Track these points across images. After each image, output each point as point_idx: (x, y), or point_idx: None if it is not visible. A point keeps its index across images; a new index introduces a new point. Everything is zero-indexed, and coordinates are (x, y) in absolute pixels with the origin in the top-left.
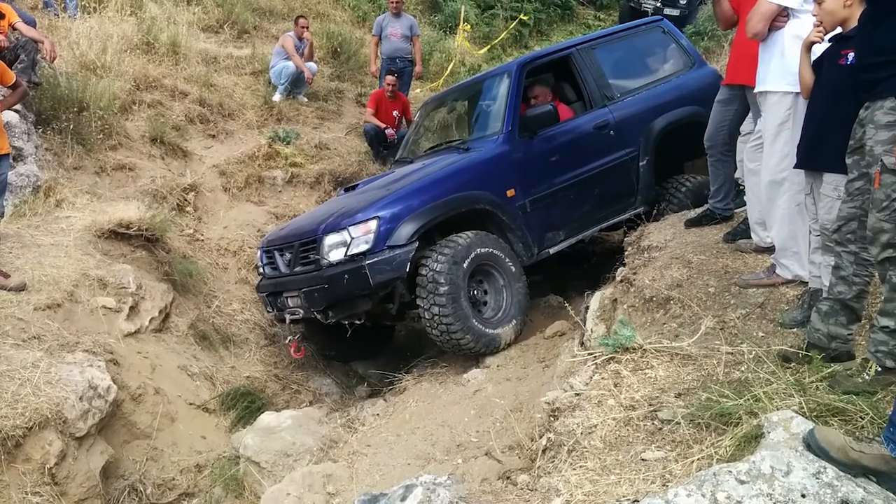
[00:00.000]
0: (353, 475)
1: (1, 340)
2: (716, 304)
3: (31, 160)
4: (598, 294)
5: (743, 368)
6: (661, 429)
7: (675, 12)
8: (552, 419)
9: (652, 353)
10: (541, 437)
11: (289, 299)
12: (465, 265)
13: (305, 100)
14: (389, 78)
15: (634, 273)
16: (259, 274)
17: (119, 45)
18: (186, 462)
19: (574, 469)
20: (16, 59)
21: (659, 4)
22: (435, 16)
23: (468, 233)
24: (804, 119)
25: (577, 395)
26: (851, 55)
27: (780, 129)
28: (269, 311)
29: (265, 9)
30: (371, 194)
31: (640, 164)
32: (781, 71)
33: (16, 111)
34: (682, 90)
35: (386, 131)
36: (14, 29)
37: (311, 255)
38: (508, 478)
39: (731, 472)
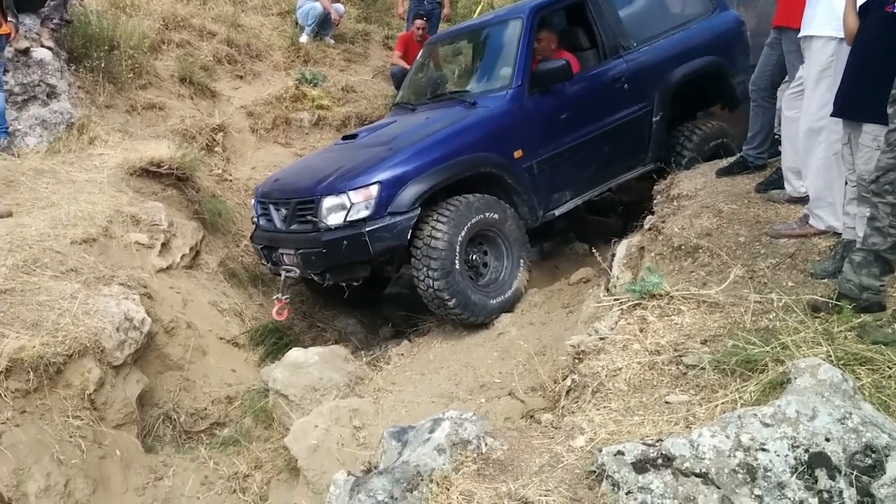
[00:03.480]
0: (379, 410)
1: (41, 272)
2: (745, 253)
3: (64, 97)
4: (625, 242)
5: (771, 317)
6: (685, 374)
7: None
8: (577, 362)
9: (679, 301)
10: (564, 379)
11: (284, 256)
12: (463, 231)
13: (332, 41)
14: (418, 22)
15: (663, 221)
16: (253, 223)
17: None
18: (217, 393)
19: (598, 409)
20: None
21: None
22: None
23: (470, 196)
24: (845, 67)
25: (602, 339)
26: None
27: (822, 75)
28: (263, 264)
29: None
30: (371, 153)
31: (654, 119)
32: (827, 15)
33: (49, 48)
34: (701, 38)
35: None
36: None
37: (309, 216)
38: (532, 416)
39: (755, 414)
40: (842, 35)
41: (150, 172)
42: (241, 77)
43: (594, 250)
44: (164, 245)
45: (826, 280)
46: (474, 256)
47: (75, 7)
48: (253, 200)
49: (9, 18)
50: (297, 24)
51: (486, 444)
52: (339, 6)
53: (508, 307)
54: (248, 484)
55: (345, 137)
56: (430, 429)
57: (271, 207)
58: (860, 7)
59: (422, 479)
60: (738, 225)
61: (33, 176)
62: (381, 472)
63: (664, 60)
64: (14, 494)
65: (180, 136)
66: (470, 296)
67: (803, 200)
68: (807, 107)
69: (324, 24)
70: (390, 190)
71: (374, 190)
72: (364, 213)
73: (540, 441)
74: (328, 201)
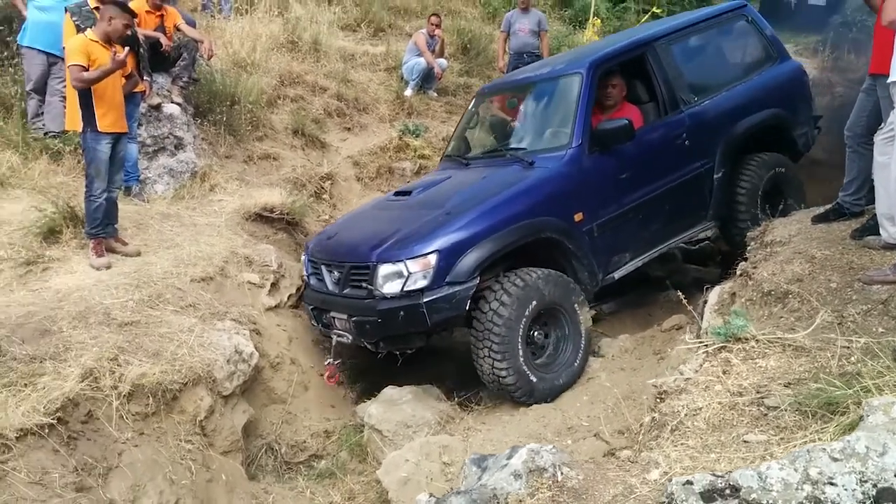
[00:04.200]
0: (467, 448)
1: (163, 307)
2: (836, 299)
3: (189, 149)
4: (717, 288)
5: (855, 360)
6: (766, 415)
7: (822, 2)
8: (659, 401)
9: (764, 345)
10: (645, 417)
11: (336, 320)
12: (529, 308)
13: (435, 94)
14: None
15: (755, 267)
16: (302, 281)
17: (267, 44)
18: (316, 427)
19: (675, 446)
20: (178, 58)
21: None
22: (565, 10)
23: (539, 271)
24: None
25: (686, 380)
26: None
27: None
28: (313, 325)
29: (400, 7)
30: (428, 216)
31: (715, 176)
32: None
33: (178, 104)
34: (764, 90)
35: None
36: (178, 30)
37: (364, 283)
38: (612, 453)
39: (825, 449)
40: None
41: (264, 217)
42: (349, 129)
43: (684, 298)
44: (273, 285)
45: None
46: (534, 332)
47: (202, 66)
48: (304, 257)
49: (144, 77)
50: (402, 78)
51: (561, 473)
52: (443, 61)
53: (568, 387)
54: None
55: (397, 193)
56: (508, 455)
57: (323, 268)
58: None
59: (497, 502)
60: (830, 271)
61: (160, 219)
62: (458, 493)
63: (725, 115)
64: None
65: (291, 184)
66: (530, 378)
67: None
68: None
69: (427, 79)
70: (449, 259)
71: (433, 259)
72: (422, 283)
73: (615, 473)
74: (384, 269)
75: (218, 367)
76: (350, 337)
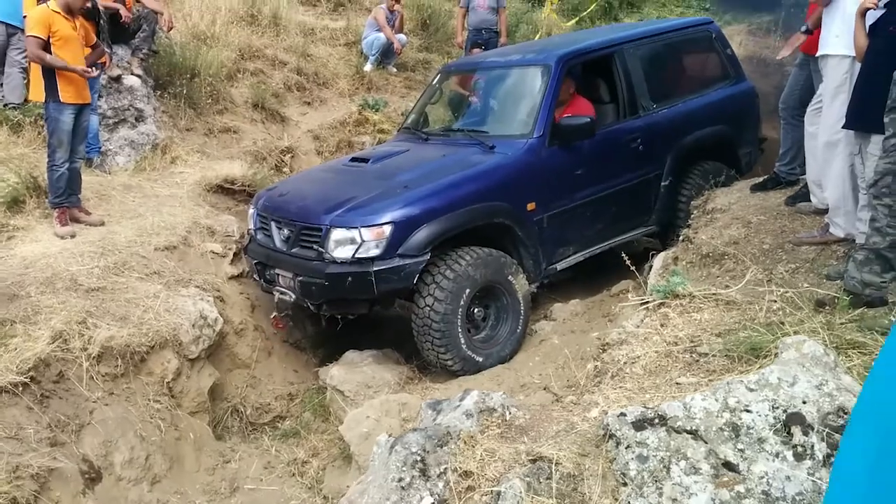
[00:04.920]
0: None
1: (128, 273)
2: (768, 259)
3: (150, 121)
4: (661, 254)
5: (778, 310)
6: (697, 361)
7: None
8: (601, 352)
9: (700, 300)
10: (588, 365)
11: (280, 277)
12: (463, 297)
13: (395, 70)
14: (476, 51)
15: (695, 232)
16: (248, 234)
17: (226, 17)
18: (280, 390)
19: (614, 389)
20: (138, 29)
21: None
22: None
23: (483, 251)
24: (855, 82)
25: (627, 333)
26: None
27: (838, 91)
28: (255, 279)
29: None
30: (385, 186)
31: (663, 183)
32: (841, 35)
33: (138, 76)
34: (717, 107)
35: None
36: (137, 1)
37: (314, 245)
38: (558, 400)
39: (742, 381)
40: (853, 53)
41: (225, 189)
42: (309, 103)
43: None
44: (235, 255)
45: (838, 281)
46: (474, 309)
47: (162, 39)
48: (251, 210)
49: (104, 49)
50: (361, 53)
51: (509, 413)
52: (402, 37)
53: (514, 354)
54: (306, 469)
55: (354, 158)
56: (461, 398)
57: (272, 224)
58: (869, 27)
59: (451, 438)
60: (764, 234)
61: (122, 190)
62: (415, 430)
63: (677, 127)
64: (103, 463)
65: (252, 156)
66: (475, 359)
67: (827, 211)
68: (824, 121)
69: (387, 54)
70: (403, 232)
71: (387, 230)
72: (374, 252)
73: (559, 413)
74: (338, 234)
75: (184, 331)
76: (293, 295)
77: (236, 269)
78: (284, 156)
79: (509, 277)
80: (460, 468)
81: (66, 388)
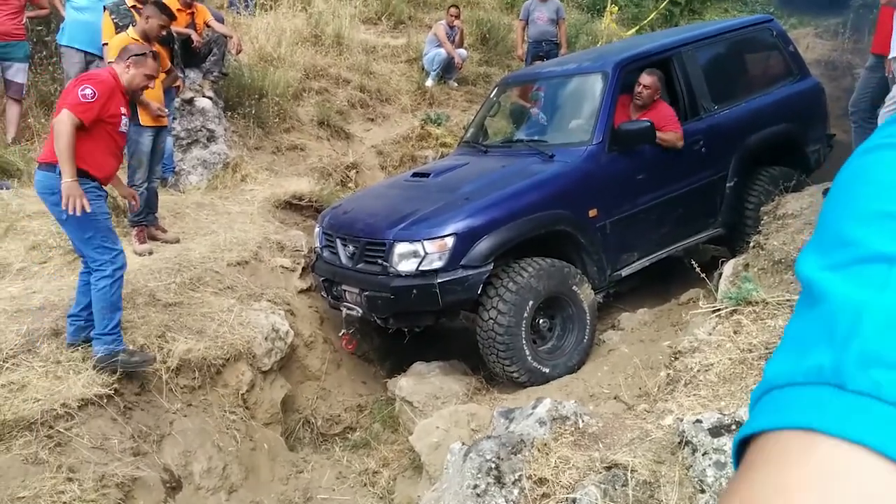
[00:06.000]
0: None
1: (203, 288)
2: None
3: (221, 141)
4: (731, 261)
5: None
6: None
7: None
8: (673, 360)
9: (773, 306)
10: (661, 373)
11: (347, 293)
12: (527, 310)
13: (456, 84)
14: (538, 62)
15: (766, 238)
16: (314, 253)
17: (291, 39)
18: (350, 402)
19: (688, 397)
20: (209, 53)
21: None
22: None
23: (546, 261)
24: None
25: (700, 340)
26: None
27: None
28: (323, 296)
29: (419, 0)
30: (447, 199)
31: (728, 185)
32: None
33: (209, 98)
34: (781, 105)
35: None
36: (207, 26)
37: (379, 260)
38: (630, 408)
39: None
40: None
41: (293, 205)
42: (372, 119)
43: (701, 273)
44: (304, 269)
45: None
46: (539, 320)
47: (231, 61)
48: (317, 229)
49: (178, 73)
50: (422, 69)
51: (582, 421)
52: (463, 51)
53: (582, 364)
54: (377, 479)
55: (415, 174)
56: (534, 406)
57: (338, 241)
58: None
59: (524, 445)
60: None
61: (195, 208)
62: (489, 438)
63: (742, 127)
64: (183, 472)
65: (318, 173)
66: (542, 370)
67: None
68: None
69: (448, 69)
70: (465, 243)
71: (450, 242)
72: (437, 264)
73: (632, 421)
74: (401, 247)
75: (257, 343)
76: (360, 311)
77: (305, 283)
78: (349, 171)
79: (573, 287)
80: (535, 475)
81: (147, 400)
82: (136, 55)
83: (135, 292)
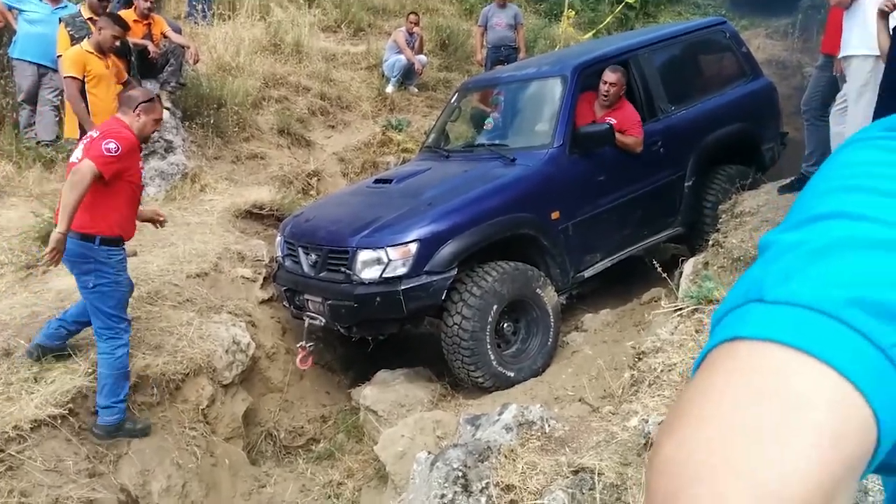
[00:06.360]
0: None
1: (161, 302)
2: None
3: (179, 151)
4: (691, 260)
5: None
6: None
7: None
8: (637, 360)
9: None
10: (625, 374)
11: (310, 302)
12: (491, 314)
13: (416, 90)
14: (499, 66)
15: (725, 236)
16: (277, 262)
17: (250, 48)
18: (313, 413)
19: (652, 397)
20: (166, 64)
21: None
22: (540, 4)
23: (510, 265)
24: (881, 81)
25: (662, 340)
26: None
27: (863, 90)
28: (285, 306)
29: (379, 7)
30: (410, 205)
31: (686, 184)
32: (863, 36)
33: (167, 108)
34: (735, 105)
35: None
36: (165, 37)
37: (342, 268)
38: (595, 410)
39: None
40: (877, 53)
41: (254, 214)
42: (333, 127)
43: (663, 272)
44: (265, 279)
45: None
46: (503, 324)
47: (188, 71)
48: (279, 238)
49: (135, 85)
50: (383, 75)
51: (548, 425)
52: (423, 57)
53: (547, 366)
54: (342, 490)
55: (377, 180)
56: (500, 412)
57: (300, 250)
58: (893, 28)
59: (491, 452)
60: None
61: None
62: (455, 446)
63: (698, 127)
64: (140, 493)
65: (279, 181)
66: (507, 374)
67: None
68: (851, 120)
69: (408, 75)
70: (429, 248)
71: (413, 248)
72: (401, 271)
73: (598, 424)
74: (364, 255)
75: (217, 357)
76: (323, 320)
77: (266, 294)
78: (311, 179)
79: (537, 290)
80: (502, 482)
81: None
82: (144, 103)
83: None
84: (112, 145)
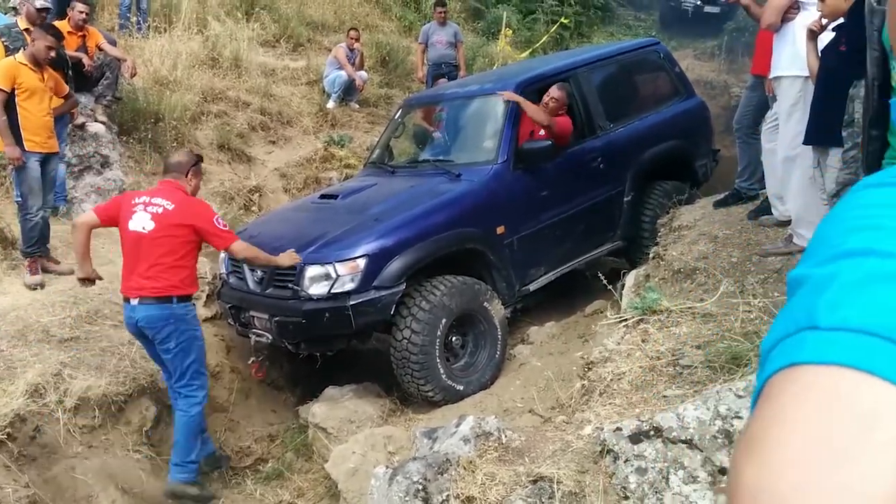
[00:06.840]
0: (411, 436)
1: (101, 322)
2: (737, 271)
3: (116, 167)
4: (633, 272)
5: (754, 319)
6: (681, 373)
7: (716, 9)
8: (586, 370)
9: (677, 314)
10: (576, 384)
11: (256, 319)
12: (440, 329)
13: (357, 106)
14: (441, 80)
15: (665, 249)
16: (221, 279)
17: (187, 62)
18: (260, 432)
19: (604, 406)
20: (101, 77)
21: (699, 2)
22: (478, 22)
23: (457, 279)
24: (811, 100)
25: (610, 350)
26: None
27: (793, 109)
28: (230, 324)
29: (318, 23)
30: (357, 221)
31: (625, 199)
32: (792, 57)
33: (102, 123)
34: (670, 123)
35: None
36: (100, 49)
37: (289, 284)
38: (547, 420)
39: (730, 389)
40: (807, 73)
41: None
42: (274, 142)
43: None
44: (208, 296)
45: None
46: (452, 338)
47: (124, 85)
48: (223, 254)
49: (76, 100)
50: (324, 91)
51: (505, 436)
52: (363, 73)
53: (495, 379)
54: None
55: (323, 195)
56: (457, 424)
57: (245, 266)
58: (821, 50)
59: (450, 464)
60: (731, 248)
61: (91, 238)
62: (414, 459)
63: (636, 144)
64: None
65: (220, 197)
66: (456, 388)
67: (790, 223)
68: (782, 138)
69: (349, 91)
70: (377, 263)
71: (361, 263)
72: (349, 286)
73: (553, 433)
74: (312, 270)
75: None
76: (270, 337)
77: (210, 311)
78: (252, 195)
79: (485, 304)
80: (462, 494)
81: (43, 444)
82: (195, 165)
83: (26, 328)
84: (221, 219)
